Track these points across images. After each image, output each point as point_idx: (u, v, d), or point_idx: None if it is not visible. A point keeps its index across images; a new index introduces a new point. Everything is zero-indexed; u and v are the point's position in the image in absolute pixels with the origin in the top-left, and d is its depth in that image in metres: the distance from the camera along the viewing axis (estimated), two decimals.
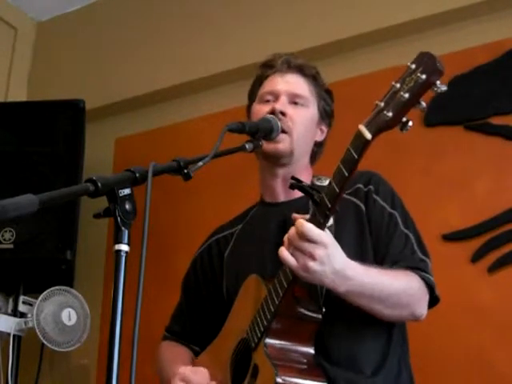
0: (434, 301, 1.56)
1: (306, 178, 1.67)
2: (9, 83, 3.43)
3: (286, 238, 1.38)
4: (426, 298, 1.53)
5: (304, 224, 1.34)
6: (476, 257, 2.26)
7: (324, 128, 1.78)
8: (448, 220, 2.33)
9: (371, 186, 1.64)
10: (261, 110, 1.70)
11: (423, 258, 1.56)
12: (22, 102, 3.33)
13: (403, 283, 1.48)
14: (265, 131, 1.59)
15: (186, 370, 1.58)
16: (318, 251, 1.33)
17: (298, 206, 1.56)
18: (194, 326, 1.82)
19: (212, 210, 2.78)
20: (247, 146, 1.55)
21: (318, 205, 1.34)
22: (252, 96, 1.81)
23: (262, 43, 2.75)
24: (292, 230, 1.36)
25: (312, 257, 1.33)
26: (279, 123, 1.62)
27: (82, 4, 3.49)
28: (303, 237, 1.33)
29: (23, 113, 2.96)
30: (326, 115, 1.78)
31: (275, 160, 1.68)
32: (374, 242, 1.59)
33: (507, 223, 2.25)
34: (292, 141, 1.66)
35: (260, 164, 1.76)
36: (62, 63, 3.46)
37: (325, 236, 1.34)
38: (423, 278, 1.52)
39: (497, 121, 2.36)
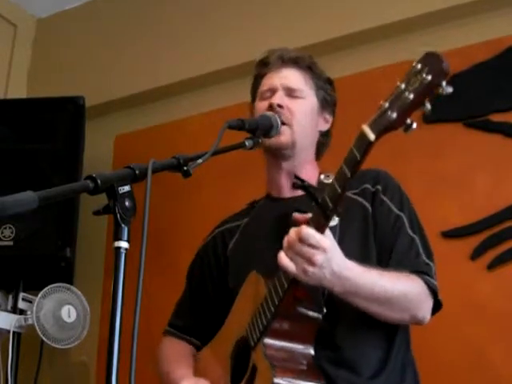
0: (436, 306, 1.54)
1: (311, 173, 1.68)
2: (8, 80, 3.42)
3: (285, 241, 1.36)
4: (428, 301, 1.52)
5: (304, 229, 1.33)
6: (475, 254, 2.26)
7: (328, 117, 1.78)
8: (447, 217, 2.33)
9: (379, 186, 1.63)
10: (260, 106, 1.73)
11: (427, 261, 1.55)
12: (22, 98, 3.32)
13: (405, 286, 1.47)
14: (264, 128, 1.59)
15: (190, 382, 1.59)
16: (318, 256, 1.32)
17: (302, 203, 1.53)
18: (197, 320, 1.81)
19: (211, 206, 2.77)
20: (247, 143, 1.55)
21: (319, 205, 1.33)
22: (253, 95, 1.83)
23: (261, 40, 2.73)
24: (292, 233, 1.35)
25: (311, 262, 1.33)
26: (278, 120, 1.62)
27: (81, 1, 3.48)
28: (303, 242, 1.33)
29: (23, 110, 2.96)
30: (328, 104, 1.77)
31: (278, 153, 1.68)
32: (379, 244, 1.58)
33: (507, 220, 2.24)
34: (293, 132, 1.66)
35: (265, 159, 1.77)
36: (61, 60, 3.46)
37: (324, 240, 1.33)
38: (426, 282, 1.50)
39: (497, 118, 2.35)
